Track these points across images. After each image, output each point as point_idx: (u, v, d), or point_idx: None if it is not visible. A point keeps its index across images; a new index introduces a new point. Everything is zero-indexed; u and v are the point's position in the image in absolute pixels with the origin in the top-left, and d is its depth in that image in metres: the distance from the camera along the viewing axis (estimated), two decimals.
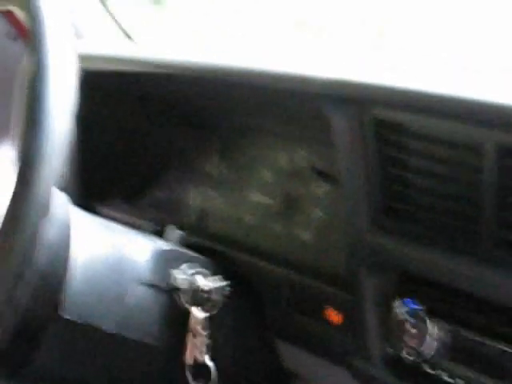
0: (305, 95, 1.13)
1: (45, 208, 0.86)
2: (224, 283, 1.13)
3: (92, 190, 1.18)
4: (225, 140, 1.37)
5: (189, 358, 1.12)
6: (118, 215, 1.32)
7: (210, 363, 1.11)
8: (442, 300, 0.98)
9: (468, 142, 0.92)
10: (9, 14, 1.63)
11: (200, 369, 1.12)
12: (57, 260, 1.05)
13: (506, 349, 0.92)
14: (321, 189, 1.21)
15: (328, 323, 1.11)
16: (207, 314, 1.11)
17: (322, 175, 1.19)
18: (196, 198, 1.38)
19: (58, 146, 0.85)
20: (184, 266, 1.14)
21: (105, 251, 1.12)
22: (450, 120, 0.94)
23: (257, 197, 1.31)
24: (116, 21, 1.70)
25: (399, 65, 1.44)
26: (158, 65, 1.38)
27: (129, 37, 1.72)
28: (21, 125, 0.88)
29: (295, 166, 1.26)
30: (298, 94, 1.14)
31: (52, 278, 1.04)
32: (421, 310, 0.98)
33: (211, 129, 1.39)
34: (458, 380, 0.96)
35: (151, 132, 1.45)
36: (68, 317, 1.05)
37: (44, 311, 1.03)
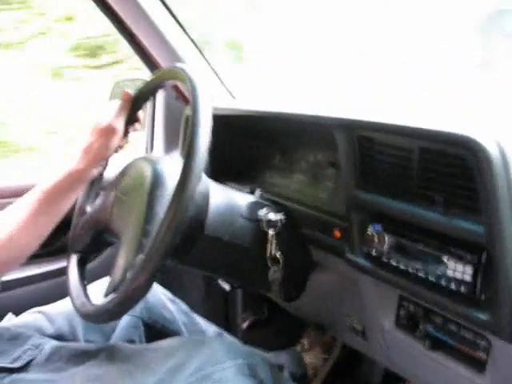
0: (324, 126, 1.16)
1: (199, 177, 0.91)
2: (282, 217, 1.17)
3: (218, 173, 1.22)
4: (284, 148, 1.41)
5: (268, 253, 1.16)
6: (231, 186, 1.32)
7: (278, 255, 1.15)
8: (392, 223, 1.00)
9: (403, 145, 0.97)
10: (175, 86, 1.68)
11: (273, 259, 1.17)
12: (203, 202, 1.10)
13: (424, 249, 0.94)
14: (331, 171, 1.24)
15: (334, 237, 1.15)
16: (275, 232, 1.16)
17: (332, 164, 1.23)
18: (270, 176, 1.42)
19: (203, 153, 0.91)
20: (264, 209, 1.19)
21: (225, 199, 1.16)
22: (395, 135, 0.99)
23: (298, 176, 1.34)
24: (224, 84, 1.75)
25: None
26: (253, 112, 1.42)
27: (232, 96, 1.75)
28: (186, 144, 0.93)
29: (318, 160, 1.29)
30: (321, 125, 1.17)
31: (201, 211, 1.10)
32: (381, 229, 1.01)
33: (277, 142, 1.43)
34: (400, 264, 0.98)
35: (247, 144, 1.49)
36: (206, 233, 1.11)
37: (196, 227, 1.09)
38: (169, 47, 1.56)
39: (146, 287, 0.92)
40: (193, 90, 0.98)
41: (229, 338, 1.44)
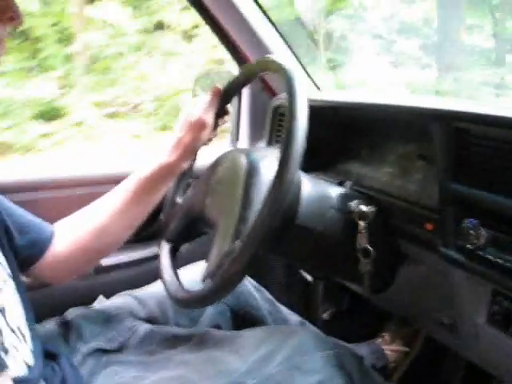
0: (417, 117, 1.17)
1: (297, 167, 0.92)
2: (373, 209, 1.16)
3: (306, 164, 1.23)
4: (371, 140, 1.40)
5: (358, 245, 1.15)
6: (319, 177, 1.34)
7: (369, 246, 1.14)
8: (489, 217, 0.98)
9: (502, 137, 0.96)
10: (261, 78, 1.69)
11: (365, 251, 1.15)
12: (296, 191, 1.11)
13: None
14: (420, 163, 1.22)
15: (426, 230, 1.13)
16: (366, 223, 1.15)
17: (421, 157, 1.21)
18: (358, 168, 1.41)
19: (301, 143, 0.91)
20: (355, 200, 1.18)
21: (316, 190, 1.16)
22: (494, 126, 0.98)
23: (387, 168, 1.33)
24: (310, 77, 1.75)
25: None
26: (342, 104, 1.44)
27: (318, 88, 1.75)
28: (284, 133, 0.93)
29: (408, 152, 1.27)
30: (414, 117, 1.18)
31: (293, 201, 1.10)
32: (477, 223, 0.98)
33: (365, 134, 1.42)
34: (496, 259, 0.96)
35: (335, 136, 1.49)
36: (298, 222, 1.11)
37: (288, 217, 1.09)
38: (257, 40, 1.57)
39: (243, 273, 0.95)
40: (289, 80, 0.98)
41: (313, 328, 1.45)
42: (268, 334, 1.16)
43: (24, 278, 1.10)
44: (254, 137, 1.77)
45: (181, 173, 1.26)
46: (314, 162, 1.38)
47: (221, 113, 1.26)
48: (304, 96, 0.96)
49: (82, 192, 1.51)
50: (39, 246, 1.14)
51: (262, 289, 1.46)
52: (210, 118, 1.23)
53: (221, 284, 0.96)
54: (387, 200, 1.24)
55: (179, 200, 1.28)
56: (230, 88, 1.24)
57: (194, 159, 1.28)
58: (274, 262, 1.79)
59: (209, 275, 1.01)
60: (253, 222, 0.92)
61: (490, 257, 0.98)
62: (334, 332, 1.42)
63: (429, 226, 1.13)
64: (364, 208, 1.15)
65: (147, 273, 1.45)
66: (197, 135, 1.22)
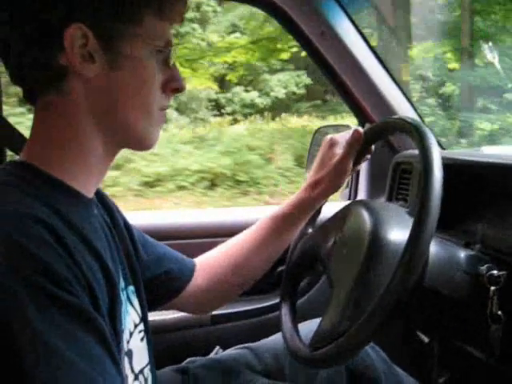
0: None
1: (431, 238, 0.91)
2: (504, 273, 1.11)
3: None
4: (498, 200, 1.35)
5: (488, 311, 1.10)
6: (442, 237, 1.29)
7: (500, 312, 1.09)
8: None
9: None
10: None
11: (495, 317, 1.10)
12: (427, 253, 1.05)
13: None
14: None
15: None
16: (496, 288, 1.10)
17: None
18: (483, 229, 1.35)
19: (436, 213, 0.92)
20: (485, 264, 1.13)
21: (444, 251, 1.15)
22: None
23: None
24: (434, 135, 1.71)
25: None
26: (468, 162, 1.43)
27: (442, 147, 1.73)
28: (419, 201, 0.94)
29: None
30: None
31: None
32: None
33: (492, 194, 1.38)
34: None
35: (457, 195, 1.41)
36: (426, 285, 1.08)
37: (418, 281, 1.03)
38: (383, 101, 1.58)
39: (367, 342, 0.95)
40: (423, 138, 1.00)
41: None
42: None
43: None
44: (372, 193, 1.77)
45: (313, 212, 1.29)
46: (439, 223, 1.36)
47: (358, 159, 1.28)
48: (438, 152, 0.98)
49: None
50: (184, 275, 1.22)
51: (378, 348, 1.43)
52: (350, 163, 1.25)
53: (343, 350, 0.96)
54: None
55: (310, 230, 1.31)
56: (370, 133, 1.25)
57: (321, 207, 1.29)
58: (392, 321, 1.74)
59: (329, 340, 1.01)
60: (384, 288, 0.92)
61: None
62: None
63: None
64: (495, 272, 1.11)
65: (264, 325, 1.47)
66: (335, 177, 1.24)
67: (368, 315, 0.92)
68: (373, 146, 1.30)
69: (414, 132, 1.02)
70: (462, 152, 1.74)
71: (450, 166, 1.39)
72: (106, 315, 0.76)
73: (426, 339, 1.65)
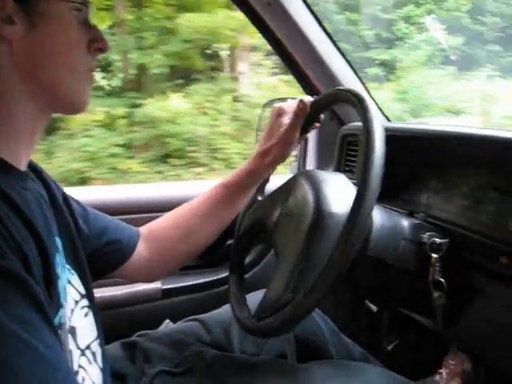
0: (493, 147, 1.15)
1: (373, 205, 0.91)
2: (446, 241, 1.14)
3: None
4: (442, 170, 1.37)
5: (430, 278, 1.12)
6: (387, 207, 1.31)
7: (442, 279, 1.11)
8: None
9: None
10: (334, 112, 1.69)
11: (438, 284, 1.12)
12: (368, 223, 1.10)
13: None
14: (494, 195, 1.18)
15: (501, 264, 1.10)
16: (439, 255, 1.12)
17: (495, 188, 1.17)
18: (426, 198, 1.38)
19: (378, 180, 0.92)
20: (427, 232, 1.16)
21: (388, 221, 1.15)
22: None
23: (458, 199, 1.29)
24: (380, 108, 1.73)
25: None
26: (413, 133, 1.43)
27: (388, 119, 1.73)
28: (359, 169, 0.95)
29: (481, 184, 1.24)
30: (489, 147, 1.17)
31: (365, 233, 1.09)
32: None
33: (434, 165, 1.39)
34: None
35: (403, 166, 1.46)
36: (370, 254, 1.10)
37: (359, 249, 1.06)
38: (328, 72, 1.57)
39: (309, 312, 0.95)
40: (366, 114, 0.99)
41: (377, 363, 1.43)
42: (334, 370, 1.15)
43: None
44: (320, 165, 1.77)
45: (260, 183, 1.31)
46: (382, 193, 1.37)
47: (305, 129, 1.28)
48: (381, 127, 0.96)
49: None
50: (127, 245, 1.21)
51: (327, 319, 1.45)
52: (296, 132, 1.26)
53: (289, 318, 0.96)
54: (460, 232, 1.22)
55: (259, 197, 1.32)
56: (315, 104, 1.25)
57: (269, 176, 1.31)
58: (339, 292, 1.76)
59: (276, 309, 1.01)
60: (325, 260, 0.92)
61: None
62: (396, 365, 1.39)
63: (503, 260, 1.10)
64: (437, 239, 1.13)
65: (214, 298, 1.46)
66: (282, 146, 1.25)
67: (310, 287, 0.92)
68: (322, 117, 1.29)
69: (358, 104, 1.02)
70: (408, 123, 1.75)
71: (395, 137, 1.41)
72: (42, 285, 0.74)
73: (375, 308, 1.67)
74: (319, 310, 1.45)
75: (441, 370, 1.60)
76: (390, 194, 1.46)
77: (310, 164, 1.82)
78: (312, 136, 1.81)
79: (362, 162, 0.93)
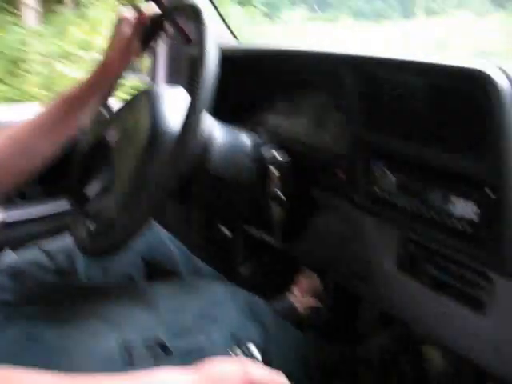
0: (330, 65, 1.16)
1: (203, 116, 0.90)
2: (285, 155, 1.17)
3: (218, 114, 1.19)
4: (287, 91, 1.38)
5: (270, 192, 1.15)
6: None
7: (281, 194, 1.14)
8: (398, 163, 0.99)
9: (410, 82, 0.95)
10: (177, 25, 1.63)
11: (277, 199, 1.15)
12: (207, 140, 1.10)
13: (430, 188, 0.93)
14: (336, 114, 1.20)
15: (338, 178, 1.13)
16: (278, 170, 1.15)
17: (337, 107, 1.19)
18: (272, 118, 1.39)
19: (208, 91, 0.90)
20: (267, 148, 1.18)
21: (229, 138, 1.15)
22: (402, 71, 0.98)
23: (302, 119, 1.30)
24: (227, 25, 1.70)
25: None
26: (256, 52, 1.42)
27: (235, 36, 1.71)
28: (190, 81, 0.92)
29: (323, 103, 1.26)
30: (327, 65, 1.17)
31: (204, 149, 1.09)
32: (387, 169, 0.99)
33: (280, 85, 1.40)
34: (405, 204, 0.97)
35: (249, 86, 1.46)
36: (210, 171, 1.11)
37: (199, 166, 1.08)
38: None
39: (143, 227, 0.93)
40: (198, 25, 0.97)
41: (229, 282, 1.44)
42: (181, 287, 1.15)
43: None
44: (172, 82, 1.72)
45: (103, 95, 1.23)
46: (228, 114, 1.35)
47: (146, 40, 1.22)
48: (213, 43, 0.93)
49: None
50: None
51: (179, 243, 1.43)
52: (135, 43, 1.19)
53: (123, 236, 0.94)
54: (300, 149, 1.23)
55: (104, 114, 1.26)
56: (156, 16, 1.20)
57: (113, 90, 1.24)
58: (192, 217, 1.76)
59: (107, 226, 0.99)
60: (156, 173, 0.92)
61: (399, 203, 0.98)
62: (252, 288, 1.41)
63: (340, 174, 1.13)
64: (276, 155, 1.15)
65: (56, 228, 1.39)
66: (122, 57, 1.19)
67: (140, 205, 0.91)
68: (170, 30, 1.24)
69: (194, 17, 1.00)
70: (254, 43, 1.74)
71: (240, 57, 1.40)
72: None
73: (229, 233, 1.68)
74: (171, 234, 1.42)
75: (293, 289, 1.66)
76: (236, 116, 1.44)
77: (161, 81, 1.76)
78: (162, 51, 1.74)
79: (192, 78, 0.91)
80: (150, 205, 0.89)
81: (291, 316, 1.56)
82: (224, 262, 1.77)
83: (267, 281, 1.76)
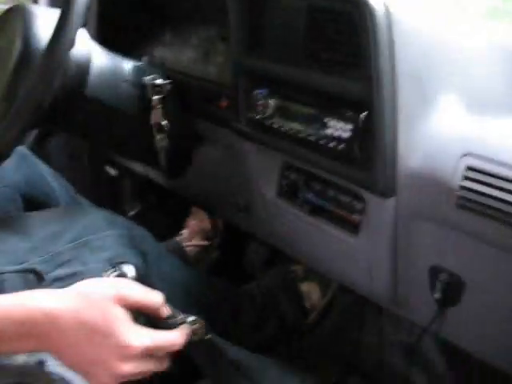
0: None
1: (76, 28, 0.88)
2: (169, 83, 1.15)
3: (104, 45, 1.16)
4: (175, 23, 1.36)
5: (153, 120, 1.13)
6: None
7: (164, 122, 1.13)
8: (278, 87, 0.99)
9: (291, 4, 0.96)
10: None
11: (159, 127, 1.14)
12: (84, 62, 1.05)
13: (306, 110, 0.94)
14: (222, 46, 1.20)
15: (221, 107, 1.13)
16: (160, 97, 1.13)
17: (223, 39, 1.19)
18: (159, 51, 1.37)
19: (81, 6, 0.87)
20: (150, 75, 1.14)
21: (109, 62, 1.12)
22: None
23: (189, 52, 1.29)
24: None
25: None
26: None
27: None
28: None
29: (210, 35, 1.25)
30: None
31: (81, 71, 1.05)
32: (266, 93, 0.99)
33: (168, 17, 1.37)
34: (282, 127, 0.98)
35: (137, 17, 1.42)
36: (87, 93, 1.06)
37: (74, 88, 1.04)
38: None
39: (12, 143, 0.92)
40: None
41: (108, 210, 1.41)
42: (57, 214, 1.11)
43: None
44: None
45: None
46: (113, 44, 1.30)
47: None
48: None
49: None
50: None
51: (62, 180, 1.37)
52: None
53: None
54: (186, 79, 1.22)
55: None
56: None
57: None
58: (77, 157, 1.70)
59: None
60: (29, 85, 0.88)
61: (277, 125, 1.00)
62: None
63: (223, 103, 1.13)
64: (158, 81, 1.12)
65: None
66: None
67: (9, 120, 0.88)
68: None
69: None
70: None
71: None
72: None
73: (115, 173, 1.65)
74: (56, 176, 1.37)
75: (183, 231, 1.65)
76: (126, 48, 1.39)
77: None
78: None
79: None
80: (17, 120, 0.87)
81: (178, 255, 1.56)
82: (111, 203, 1.73)
83: (156, 222, 1.74)
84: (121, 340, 0.67)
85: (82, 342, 0.67)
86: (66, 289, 0.72)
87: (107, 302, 0.69)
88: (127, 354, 0.67)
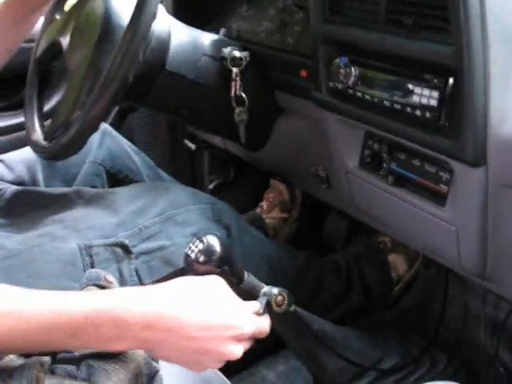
0: None
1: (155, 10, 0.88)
2: (248, 55, 1.14)
3: (181, 20, 1.16)
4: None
5: (232, 93, 1.12)
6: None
7: (243, 94, 1.12)
8: (359, 54, 0.96)
9: None
10: None
11: (238, 99, 1.14)
12: (164, 38, 1.06)
13: (390, 77, 0.90)
14: (300, 15, 1.17)
15: (301, 77, 1.11)
16: (239, 70, 1.12)
17: (300, 7, 1.16)
18: (237, 24, 1.35)
19: None
20: (229, 47, 1.13)
21: (188, 36, 1.13)
22: None
23: (266, 23, 1.27)
24: None
25: None
26: None
27: None
28: None
29: (287, 5, 1.22)
30: None
31: (162, 47, 1.06)
32: (348, 61, 0.96)
33: None
34: (365, 96, 0.94)
35: None
36: (168, 68, 1.07)
37: (156, 63, 1.05)
38: None
39: (98, 122, 0.92)
40: None
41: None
42: (142, 190, 1.13)
43: None
44: None
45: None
46: (191, 18, 1.31)
47: None
48: None
49: None
50: None
51: (144, 155, 1.40)
52: None
53: (77, 133, 0.92)
54: (264, 50, 1.21)
55: (57, 16, 1.18)
56: None
57: None
58: (157, 130, 1.73)
59: (62, 128, 0.96)
60: (105, 73, 0.88)
61: (360, 95, 0.96)
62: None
63: (303, 73, 1.10)
64: (237, 53, 1.12)
65: (14, 141, 1.36)
66: None
67: (93, 98, 0.88)
68: None
69: None
70: None
71: None
72: None
73: (193, 147, 1.66)
74: (136, 147, 1.40)
75: (262, 203, 1.66)
76: (202, 22, 1.40)
77: None
78: None
79: None
80: (102, 98, 0.87)
81: (257, 227, 1.56)
82: (190, 177, 1.75)
83: (235, 196, 1.76)
84: (237, 327, 0.67)
85: (198, 336, 0.65)
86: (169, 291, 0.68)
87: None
88: (241, 339, 0.67)
